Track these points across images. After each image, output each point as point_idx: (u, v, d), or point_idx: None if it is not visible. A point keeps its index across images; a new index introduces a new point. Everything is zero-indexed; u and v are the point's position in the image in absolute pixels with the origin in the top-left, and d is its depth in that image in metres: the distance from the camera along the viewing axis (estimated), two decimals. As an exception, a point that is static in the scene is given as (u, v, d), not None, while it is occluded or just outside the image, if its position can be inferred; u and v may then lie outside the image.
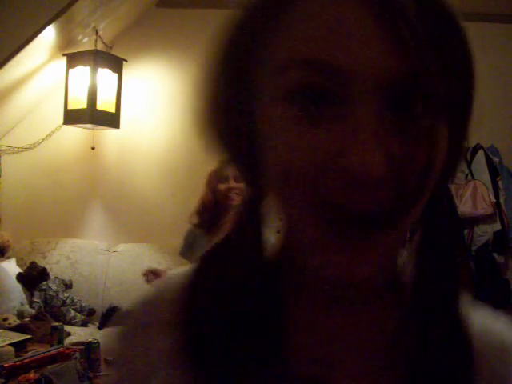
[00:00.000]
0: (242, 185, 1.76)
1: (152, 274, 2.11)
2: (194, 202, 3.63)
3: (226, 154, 0.40)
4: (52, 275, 3.19)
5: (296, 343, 0.38)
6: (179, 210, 3.63)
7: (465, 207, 3.04)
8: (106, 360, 2.21)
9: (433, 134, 0.31)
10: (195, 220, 2.09)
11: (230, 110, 0.38)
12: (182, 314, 0.38)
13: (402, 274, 0.40)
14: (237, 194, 2.01)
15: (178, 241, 3.51)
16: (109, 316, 3.17)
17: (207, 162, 3.64)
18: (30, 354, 2.11)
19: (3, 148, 3.57)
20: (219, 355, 0.36)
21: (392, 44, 0.29)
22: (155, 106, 3.67)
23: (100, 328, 3.13)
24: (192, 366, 0.37)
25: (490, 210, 3.10)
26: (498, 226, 3.16)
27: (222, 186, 2.03)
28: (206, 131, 0.40)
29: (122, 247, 3.52)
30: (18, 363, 1.96)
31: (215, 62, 0.39)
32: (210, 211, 2.06)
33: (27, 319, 2.71)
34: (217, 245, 0.41)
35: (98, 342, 2.16)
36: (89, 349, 2.13)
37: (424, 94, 0.30)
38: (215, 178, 2.07)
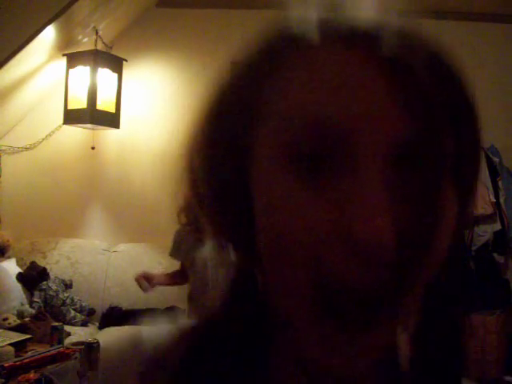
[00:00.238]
0: None
1: (144, 279, 2.09)
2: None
3: (216, 224, 0.37)
4: (52, 275, 3.19)
5: None
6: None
7: (465, 207, 3.04)
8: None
9: (441, 197, 0.30)
10: (182, 219, 2.07)
11: (222, 176, 0.34)
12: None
13: (399, 349, 0.37)
14: None
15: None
16: (109, 316, 3.17)
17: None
18: (29, 354, 2.11)
19: (3, 148, 3.57)
20: None
21: (400, 108, 0.28)
22: (155, 105, 3.67)
23: (100, 328, 3.13)
24: None
25: (489, 210, 3.10)
26: (498, 226, 3.16)
27: None
28: (196, 202, 0.37)
29: (122, 247, 3.52)
30: (18, 363, 1.96)
31: (206, 122, 0.36)
32: (194, 209, 2.05)
33: (27, 319, 2.71)
34: (211, 316, 0.39)
35: (97, 342, 2.16)
36: (89, 349, 2.12)
37: (432, 157, 0.29)
38: None
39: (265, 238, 0.31)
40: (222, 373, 0.35)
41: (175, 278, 2.24)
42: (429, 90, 0.28)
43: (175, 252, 2.16)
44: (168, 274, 2.30)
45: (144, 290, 2.10)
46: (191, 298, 2.10)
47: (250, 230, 0.33)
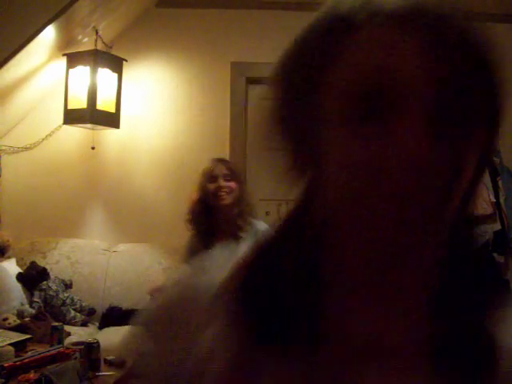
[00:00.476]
0: (231, 184, 1.78)
1: (157, 293, 2.08)
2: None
3: (293, 156, 0.44)
4: (52, 275, 3.19)
5: (336, 323, 0.42)
6: (179, 209, 3.63)
7: (465, 207, 3.04)
8: (105, 360, 2.21)
9: (469, 142, 0.37)
10: (189, 222, 2.08)
11: (297, 123, 0.42)
12: (240, 288, 0.43)
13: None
14: (226, 193, 1.99)
15: (177, 241, 3.52)
16: (109, 316, 3.17)
17: (207, 162, 3.65)
18: (29, 354, 2.11)
19: (3, 148, 3.57)
20: (271, 321, 0.41)
21: (436, 67, 0.35)
22: (155, 105, 3.67)
23: (100, 328, 3.13)
24: (245, 331, 0.42)
25: (489, 210, 3.09)
26: (497, 226, 3.16)
27: (212, 186, 2.01)
28: (278, 135, 0.43)
29: (121, 247, 3.52)
30: (18, 363, 1.96)
31: (286, 78, 0.42)
32: (197, 210, 2.04)
33: (27, 319, 2.71)
34: (280, 227, 0.46)
35: (98, 342, 2.16)
36: (89, 349, 2.13)
37: (462, 108, 0.36)
38: (205, 178, 2.05)
39: (329, 168, 0.39)
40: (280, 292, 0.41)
41: None
42: (459, 56, 0.35)
43: (187, 260, 2.16)
44: None
45: None
46: None
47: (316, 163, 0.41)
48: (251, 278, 0.44)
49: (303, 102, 0.41)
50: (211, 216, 2.03)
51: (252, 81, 3.69)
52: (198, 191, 2.05)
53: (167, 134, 3.66)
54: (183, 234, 3.56)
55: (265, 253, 0.45)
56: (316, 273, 0.42)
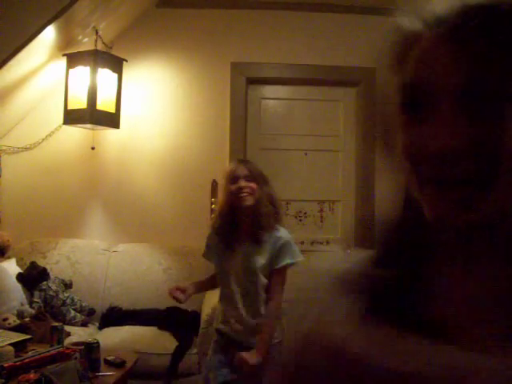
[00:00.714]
0: (251, 184, 1.77)
1: (178, 291, 2.08)
2: (193, 201, 3.63)
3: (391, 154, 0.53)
4: (52, 275, 3.19)
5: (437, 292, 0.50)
6: (179, 210, 3.63)
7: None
8: (105, 360, 2.21)
9: (498, 124, 0.43)
10: (216, 222, 2.08)
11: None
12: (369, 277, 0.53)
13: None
14: (248, 193, 1.99)
15: (178, 241, 3.52)
16: (109, 316, 3.17)
17: (207, 162, 3.65)
18: (30, 354, 2.11)
19: (3, 148, 3.57)
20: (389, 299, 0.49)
21: (462, 69, 0.43)
22: (155, 105, 3.67)
23: (100, 328, 3.13)
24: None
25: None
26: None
27: (233, 187, 2.00)
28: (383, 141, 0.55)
29: (121, 247, 3.53)
30: (18, 363, 1.96)
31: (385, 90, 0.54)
32: (225, 214, 2.05)
33: (27, 319, 2.71)
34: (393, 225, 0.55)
35: (97, 342, 2.16)
36: (89, 349, 2.13)
37: (488, 100, 0.43)
38: (227, 180, 2.04)
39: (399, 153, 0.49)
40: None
41: (214, 280, 2.21)
42: (483, 57, 0.42)
43: (207, 253, 2.16)
44: (202, 282, 2.28)
45: (181, 301, 2.09)
46: (224, 301, 2.09)
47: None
48: (376, 264, 0.53)
49: (390, 107, 0.52)
50: (235, 216, 2.03)
51: (252, 81, 3.70)
52: (223, 193, 2.06)
53: (167, 134, 3.66)
54: (183, 234, 3.57)
55: (387, 239, 0.55)
56: (422, 254, 0.51)
